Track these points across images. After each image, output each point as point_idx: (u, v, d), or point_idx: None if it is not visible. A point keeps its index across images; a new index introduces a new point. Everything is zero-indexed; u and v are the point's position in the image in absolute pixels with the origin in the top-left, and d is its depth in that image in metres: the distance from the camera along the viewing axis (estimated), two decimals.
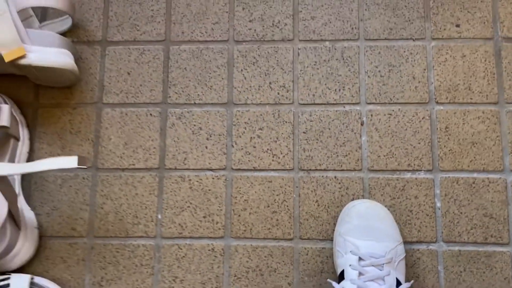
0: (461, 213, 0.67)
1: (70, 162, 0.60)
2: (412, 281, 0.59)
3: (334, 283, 0.59)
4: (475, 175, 0.67)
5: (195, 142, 0.71)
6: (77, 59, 0.74)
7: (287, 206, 0.69)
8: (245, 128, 0.71)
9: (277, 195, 0.69)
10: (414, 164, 0.68)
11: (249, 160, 0.70)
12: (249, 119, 0.71)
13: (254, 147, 0.71)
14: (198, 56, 0.74)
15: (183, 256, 0.68)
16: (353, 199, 0.68)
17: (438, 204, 0.67)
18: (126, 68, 0.74)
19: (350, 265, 0.59)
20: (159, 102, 0.73)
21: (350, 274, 0.58)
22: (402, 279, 0.59)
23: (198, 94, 0.72)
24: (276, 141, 0.71)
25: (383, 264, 0.58)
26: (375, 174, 0.68)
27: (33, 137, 0.72)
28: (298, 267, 0.67)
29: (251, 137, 0.71)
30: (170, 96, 0.73)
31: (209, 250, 0.68)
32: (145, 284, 0.68)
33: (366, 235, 0.60)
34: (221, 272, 0.68)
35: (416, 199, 0.67)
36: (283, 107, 0.71)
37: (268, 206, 0.69)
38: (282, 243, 0.68)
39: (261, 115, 0.71)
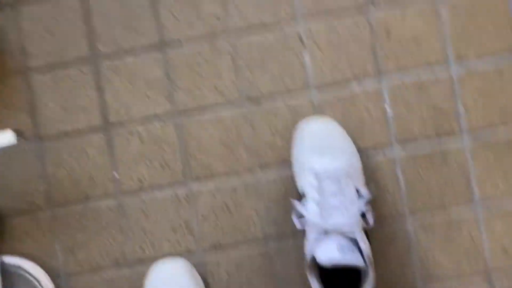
0: (411, 113, 0.67)
1: (7, 138, 0.57)
2: (371, 190, 0.61)
3: (296, 203, 0.60)
4: (420, 72, 0.67)
5: (135, 92, 0.68)
6: None
7: (242, 140, 0.68)
8: (184, 68, 0.68)
9: (230, 131, 0.68)
10: (360, 73, 0.67)
11: (194, 101, 0.68)
12: (185, 58, 0.68)
13: (197, 86, 0.68)
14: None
15: (148, 208, 0.68)
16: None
17: (388, 109, 0.67)
18: (46, 28, 0.68)
19: (309, 185, 0.59)
20: (88, 57, 0.68)
21: (310, 193, 0.59)
22: (362, 189, 0.61)
23: (127, 41, 0.68)
24: (218, 76, 0.68)
25: (341, 178, 0.59)
26: (322, 91, 0.67)
27: None
28: (263, 196, 0.67)
29: (192, 77, 0.68)
30: (98, 49, 0.68)
31: (172, 197, 0.68)
32: (117, 241, 0.68)
33: (321, 153, 0.60)
34: (189, 216, 0.68)
35: (367, 108, 0.67)
36: (219, 39, 0.68)
37: (223, 144, 0.68)
38: (244, 177, 0.68)
39: (197, 52, 0.68)
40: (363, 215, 0.59)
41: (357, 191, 0.60)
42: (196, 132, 0.68)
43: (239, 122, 0.68)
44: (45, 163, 0.68)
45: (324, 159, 0.60)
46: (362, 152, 0.67)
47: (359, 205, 0.57)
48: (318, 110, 0.67)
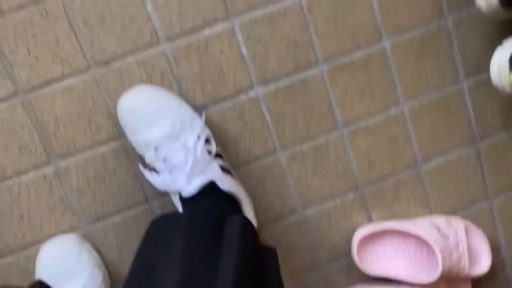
0: (267, 51, 0.66)
1: None
2: (203, 116, 0.61)
3: (147, 174, 0.60)
4: (270, 7, 0.65)
5: None
6: None
7: (100, 107, 0.65)
8: (16, 41, 0.61)
9: (83, 99, 0.64)
10: (209, 18, 0.64)
11: (38, 76, 0.63)
12: (14, 28, 0.61)
13: (37, 58, 0.62)
14: None
15: (19, 195, 0.65)
16: (161, 75, 0.65)
17: (244, 50, 0.66)
18: None
19: (153, 160, 0.59)
20: None
21: (158, 166, 0.59)
22: (208, 134, 0.61)
23: None
24: (57, 44, 0.62)
25: (177, 136, 0.58)
26: (174, 42, 0.64)
27: None
28: (135, 159, 0.66)
29: (27, 49, 0.62)
30: None
31: (41, 179, 0.65)
32: None
33: (146, 125, 0.58)
34: (63, 193, 0.66)
35: (222, 53, 0.65)
36: (49, 2, 0.61)
37: (81, 115, 0.64)
38: (111, 144, 0.66)
39: (27, 20, 0.61)
40: (207, 141, 0.60)
41: (206, 139, 0.60)
42: (48, 108, 0.64)
43: (92, 88, 0.64)
44: None
45: (153, 130, 0.58)
46: (226, 97, 0.66)
47: (200, 147, 0.58)
48: (173, 62, 0.64)
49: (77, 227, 0.67)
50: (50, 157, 0.65)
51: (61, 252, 0.64)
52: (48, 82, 0.63)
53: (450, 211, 0.75)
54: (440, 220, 0.73)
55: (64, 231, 0.67)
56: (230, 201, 0.61)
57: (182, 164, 0.58)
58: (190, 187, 0.57)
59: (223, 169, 0.62)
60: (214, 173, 0.59)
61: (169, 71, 0.65)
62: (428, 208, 0.74)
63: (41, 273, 0.65)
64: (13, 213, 0.66)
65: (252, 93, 0.67)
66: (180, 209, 0.60)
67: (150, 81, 0.64)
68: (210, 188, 0.58)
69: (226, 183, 0.59)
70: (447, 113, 0.71)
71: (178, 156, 0.58)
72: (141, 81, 0.64)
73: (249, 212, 0.63)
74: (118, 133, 0.65)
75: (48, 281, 0.64)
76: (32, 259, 0.67)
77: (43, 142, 0.64)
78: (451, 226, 0.72)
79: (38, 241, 0.67)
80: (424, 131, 0.71)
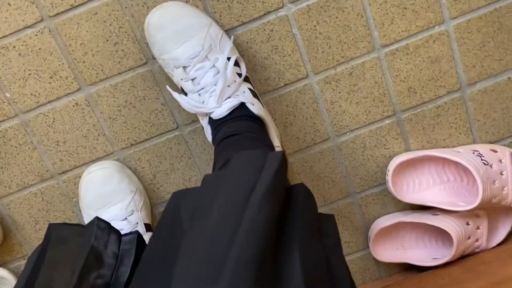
0: None
1: None
2: (232, 37, 0.59)
3: (176, 96, 0.58)
4: None
5: None
6: None
7: (126, 32, 0.63)
8: None
9: (110, 24, 0.63)
10: None
11: (62, 0, 0.61)
12: None
13: None
14: None
15: (53, 121, 0.67)
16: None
17: None
18: None
19: (181, 79, 0.57)
20: None
21: (187, 86, 0.58)
22: (237, 56, 0.59)
23: None
24: None
25: (207, 56, 0.56)
26: None
27: None
28: (163, 84, 0.65)
29: None
30: None
31: (73, 106, 0.66)
32: (34, 158, 0.68)
33: (176, 42, 0.56)
34: (96, 120, 0.67)
35: None
36: None
37: (107, 40, 0.63)
38: (139, 70, 0.65)
39: None
40: (236, 63, 0.58)
41: (236, 61, 0.58)
42: (74, 33, 0.63)
43: (118, 13, 0.62)
44: None
45: (181, 48, 0.56)
46: (253, 19, 0.63)
47: (230, 68, 0.56)
48: None
49: (111, 153, 0.69)
50: (80, 84, 0.65)
51: (103, 178, 0.66)
52: (72, 7, 0.62)
53: (496, 140, 0.70)
54: (483, 147, 0.68)
55: (99, 157, 0.69)
56: (259, 125, 0.59)
57: (211, 85, 0.56)
58: (221, 109, 0.56)
59: (252, 93, 0.60)
60: (244, 95, 0.57)
61: None
62: (472, 137, 0.70)
63: (84, 198, 0.67)
64: (49, 139, 0.67)
65: (282, 12, 0.63)
66: (209, 133, 0.59)
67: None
68: (240, 110, 0.57)
69: (256, 107, 0.58)
70: (498, 30, 0.65)
71: (207, 77, 0.56)
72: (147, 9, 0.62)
73: (275, 138, 0.61)
74: (145, 59, 0.64)
75: (91, 206, 0.67)
76: (71, 183, 0.70)
77: (72, 68, 0.64)
78: (495, 154, 0.67)
79: (76, 166, 0.69)
80: (471, 51, 0.65)
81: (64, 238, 0.53)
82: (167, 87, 0.60)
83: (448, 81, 0.67)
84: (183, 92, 0.60)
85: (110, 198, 0.65)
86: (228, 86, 0.56)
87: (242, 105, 0.56)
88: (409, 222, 0.71)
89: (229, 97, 0.56)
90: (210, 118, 0.58)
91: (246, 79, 0.60)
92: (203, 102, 0.57)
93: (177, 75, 0.58)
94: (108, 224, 0.56)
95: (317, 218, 0.44)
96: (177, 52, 0.57)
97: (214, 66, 0.56)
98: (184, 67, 0.57)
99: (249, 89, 0.59)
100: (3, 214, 0.71)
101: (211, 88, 0.56)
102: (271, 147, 0.58)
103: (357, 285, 0.76)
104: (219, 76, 0.55)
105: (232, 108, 0.56)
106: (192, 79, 0.57)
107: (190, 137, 0.69)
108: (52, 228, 0.54)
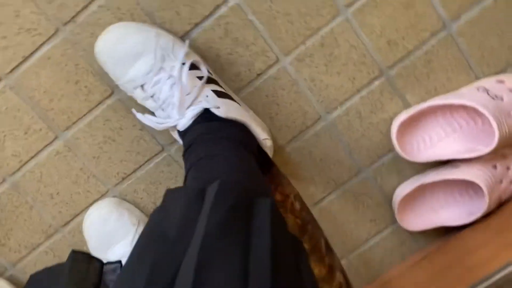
0: None
1: None
2: (187, 41, 0.56)
3: (140, 117, 0.56)
4: None
5: None
6: None
7: (83, 67, 0.61)
8: None
9: (65, 65, 0.61)
10: None
11: (13, 54, 0.60)
12: None
13: (5, 37, 0.60)
14: None
15: (41, 176, 0.66)
16: (131, 14, 0.59)
17: None
18: None
19: (143, 99, 0.55)
20: None
21: (149, 104, 0.55)
22: (195, 59, 0.56)
23: None
24: (18, 16, 0.59)
25: (161, 68, 0.53)
26: None
27: None
28: (129, 114, 0.62)
29: None
30: None
31: (55, 155, 0.65)
32: (33, 217, 0.67)
33: (127, 64, 0.54)
34: (81, 164, 0.65)
35: None
36: None
37: (68, 81, 0.62)
38: (107, 102, 0.63)
39: None
40: (195, 67, 0.55)
41: (182, 64, 0.54)
42: (34, 83, 0.62)
43: (67, 50, 0.60)
44: None
45: (134, 68, 0.54)
46: (205, 16, 0.60)
47: (185, 73, 0.53)
48: None
49: (105, 192, 0.67)
50: (55, 132, 0.64)
51: (102, 218, 0.64)
52: (25, 58, 0.61)
53: (499, 69, 0.64)
54: (488, 81, 0.62)
55: (95, 199, 0.67)
56: (234, 127, 0.55)
57: (171, 97, 0.53)
58: (185, 120, 0.53)
59: (219, 94, 0.56)
60: (207, 100, 0.54)
61: (137, 8, 0.59)
62: (472, 73, 0.64)
63: (89, 243, 0.66)
64: (42, 194, 0.66)
65: (232, 2, 0.60)
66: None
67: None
68: (205, 116, 0.53)
69: (223, 109, 0.54)
70: None
71: (165, 90, 0.53)
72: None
73: (260, 134, 0.58)
74: (111, 90, 0.62)
75: (99, 248, 0.65)
76: (77, 232, 0.68)
77: (43, 119, 0.63)
78: (502, 85, 0.61)
79: (76, 214, 0.68)
80: None
81: (40, 281, 0.52)
82: (133, 110, 0.58)
83: (429, 22, 0.61)
84: (150, 112, 0.57)
85: (113, 237, 0.63)
86: (188, 94, 0.53)
87: (207, 111, 0.53)
88: (431, 183, 0.65)
89: (191, 105, 0.53)
90: (178, 131, 0.55)
91: (210, 81, 0.57)
92: (168, 117, 0.54)
93: (138, 96, 0.56)
94: (87, 254, 0.55)
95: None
96: (130, 73, 0.54)
97: (169, 76, 0.53)
98: (142, 86, 0.55)
99: (214, 90, 0.55)
100: (21, 280, 0.70)
101: (171, 100, 0.53)
102: (245, 140, 0.54)
103: (396, 261, 0.71)
104: (175, 85, 0.52)
105: (195, 116, 0.53)
106: (152, 96, 0.54)
107: (178, 155, 0.66)
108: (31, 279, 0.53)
